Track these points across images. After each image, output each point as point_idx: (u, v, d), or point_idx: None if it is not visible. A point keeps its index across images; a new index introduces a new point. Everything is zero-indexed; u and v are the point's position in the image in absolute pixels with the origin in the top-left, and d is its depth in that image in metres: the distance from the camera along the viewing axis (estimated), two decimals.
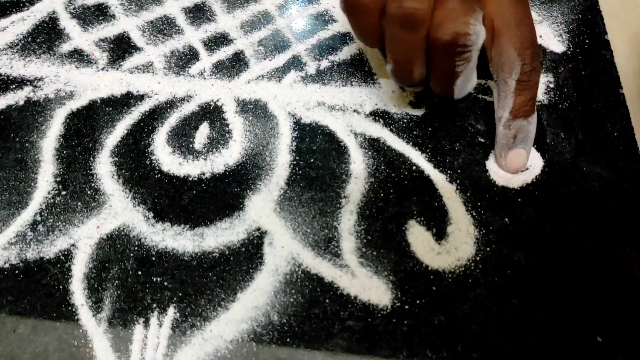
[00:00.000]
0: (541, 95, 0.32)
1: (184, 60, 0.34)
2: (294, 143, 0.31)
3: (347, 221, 0.28)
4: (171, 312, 0.26)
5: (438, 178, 0.29)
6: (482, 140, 0.31)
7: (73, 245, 0.27)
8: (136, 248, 0.27)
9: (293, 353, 0.25)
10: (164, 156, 0.30)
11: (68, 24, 0.35)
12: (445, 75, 0.27)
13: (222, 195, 0.29)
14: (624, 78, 0.33)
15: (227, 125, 0.31)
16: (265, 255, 0.27)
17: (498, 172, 0.30)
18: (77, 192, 0.29)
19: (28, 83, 0.33)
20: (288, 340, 0.25)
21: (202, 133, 0.31)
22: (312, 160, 0.30)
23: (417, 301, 0.26)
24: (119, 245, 0.27)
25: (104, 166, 0.30)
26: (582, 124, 0.31)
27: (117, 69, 0.33)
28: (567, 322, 0.25)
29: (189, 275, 0.27)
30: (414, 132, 0.31)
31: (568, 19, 0.36)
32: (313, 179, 0.29)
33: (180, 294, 0.26)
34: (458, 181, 0.29)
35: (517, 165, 0.29)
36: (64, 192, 0.29)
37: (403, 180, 0.29)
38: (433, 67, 0.27)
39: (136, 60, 0.34)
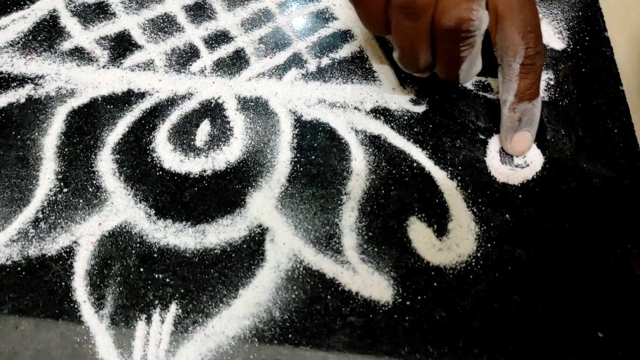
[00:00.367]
0: (541, 92, 0.32)
1: (184, 58, 0.34)
2: (295, 140, 0.31)
3: (348, 218, 0.28)
4: (173, 308, 0.26)
5: (439, 175, 0.29)
6: (482, 137, 0.31)
7: (75, 242, 0.27)
8: (138, 245, 0.27)
9: (295, 349, 0.25)
10: (165, 153, 0.30)
11: (69, 22, 0.35)
12: (450, 61, 0.28)
13: (224, 192, 0.29)
14: (623, 75, 0.33)
15: (228, 122, 0.31)
16: (266, 251, 0.27)
17: (498, 169, 0.30)
18: (78, 190, 0.29)
19: (29, 81, 0.33)
20: (290, 336, 0.25)
21: (203, 130, 0.31)
22: (313, 157, 0.30)
23: (419, 297, 0.26)
24: (120, 242, 0.27)
25: (105, 163, 0.30)
26: (582, 121, 0.31)
27: (118, 66, 0.33)
28: (568, 317, 0.26)
29: (191, 272, 0.27)
30: (415, 129, 0.31)
31: (568, 16, 0.36)
32: (314, 176, 0.29)
33: (182, 291, 0.26)
34: (459, 178, 0.29)
35: (523, 147, 0.30)
36: (65, 190, 0.29)
37: (404, 177, 0.29)
38: (438, 53, 0.27)
39: (137, 58, 0.34)
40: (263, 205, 0.28)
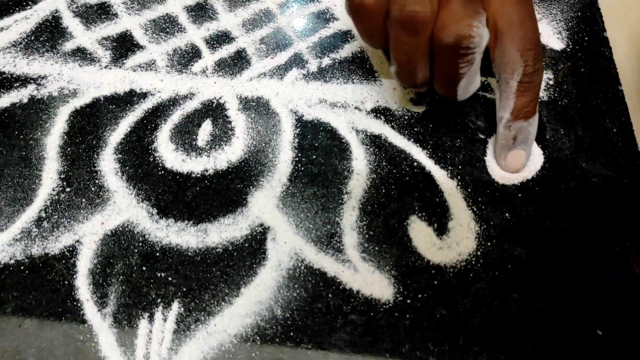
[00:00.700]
0: (541, 92, 0.33)
1: (186, 58, 0.34)
2: (296, 140, 0.31)
3: (349, 217, 0.28)
4: (175, 306, 0.26)
5: (439, 174, 0.30)
6: (482, 136, 0.31)
7: (78, 241, 0.28)
8: (140, 244, 0.27)
9: (296, 347, 0.25)
10: (167, 153, 0.30)
11: (71, 22, 0.36)
12: (448, 77, 0.27)
13: (225, 191, 0.29)
14: (622, 75, 0.33)
15: (230, 122, 0.32)
16: (268, 250, 0.27)
17: (497, 168, 0.30)
18: (81, 189, 0.29)
19: (32, 81, 0.33)
20: (291, 334, 0.25)
21: (205, 130, 0.31)
22: (314, 156, 0.30)
23: (419, 295, 0.26)
24: (123, 241, 0.28)
25: (107, 163, 0.30)
26: (581, 121, 0.32)
27: (120, 67, 0.34)
28: (568, 316, 0.26)
29: (193, 271, 0.27)
30: (415, 129, 0.31)
31: (567, 17, 0.36)
32: (315, 175, 0.30)
33: (184, 289, 0.26)
34: (459, 177, 0.30)
35: (516, 166, 0.29)
36: (68, 189, 0.29)
37: (404, 177, 0.30)
38: (436, 69, 0.27)
39: (139, 59, 0.34)
40: (264, 204, 0.29)
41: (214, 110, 0.32)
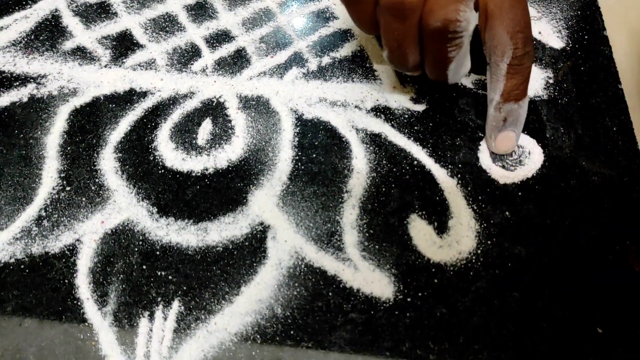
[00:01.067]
0: (541, 91, 0.33)
1: (186, 57, 0.34)
2: (296, 139, 0.31)
3: (350, 215, 0.28)
4: (176, 305, 0.26)
5: (439, 173, 0.30)
6: (482, 135, 0.31)
7: (78, 240, 0.28)
8: (140, 243, 0.27)
9: (296, 345, 0.25)
10: (167, 152, 0.30)
11: (71, 21, 0.36)
12: (438, 61, 0.28)
13: (226, 190, 0.29)
14: (622, 73, 0.33)
15: (230, 121, 0.32)
16: (268, 249, 0.27)
17: (492, 168, 0.30)
18: (81, 188, 0.29)
19: (31, 80, 0.33)
20: (291, 332, 0.25)
21: (205, 129, 0.31)
22: (314, 155, 0.30)
23: (419, 294, 0.26)
24: (123, 240, 0.28)
25: (107, 162, 0.30)
26: (581, 119, 0.32)
27: (120, 66, 0.34)
28: (568, 314, 0.26)
29: (193, 269, 0.27)
30: (415, 128, 0.31)
31: (567, 15, 0.36)
32: (315, 174, 0.30)
33: (184, 288, 0.26)
34: (459, 176, 0.30)
35: (506, 147, 0.30)
36: (68, 188, 0.29)
37: (404, 175, 0.30)
38: (426, 53, 0.28)
39: (139, 58, 0.34)
40: (265, 203, 0.29)
41: (214, 109, 0.32)
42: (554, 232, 0.28)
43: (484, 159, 0.30)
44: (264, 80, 0.33)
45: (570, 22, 0.36)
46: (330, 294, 0.26)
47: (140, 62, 0.34)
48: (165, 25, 0.36)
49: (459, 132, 0.31)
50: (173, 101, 0.32)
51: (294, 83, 0.33)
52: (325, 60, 0.34)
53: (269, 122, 0.32)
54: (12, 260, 0.27)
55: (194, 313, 0.26)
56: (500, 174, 0.30)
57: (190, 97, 0.32)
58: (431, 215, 0.28)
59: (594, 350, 0.25)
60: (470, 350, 0.25)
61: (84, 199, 0.29)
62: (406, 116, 0.32)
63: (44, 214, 0.28)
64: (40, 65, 0.34)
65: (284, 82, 0.33)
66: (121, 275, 0.27)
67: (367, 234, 0.28)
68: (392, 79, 0.33)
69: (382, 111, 0.32)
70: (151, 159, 0.30)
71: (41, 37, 0.35)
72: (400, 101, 0.32)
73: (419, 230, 0.28)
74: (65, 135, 0.31)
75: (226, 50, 0.35)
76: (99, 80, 0.33)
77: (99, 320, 0.25)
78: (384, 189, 0.29)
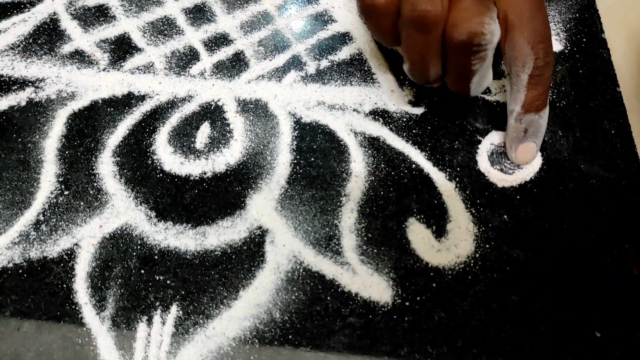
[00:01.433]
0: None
1: (184, 60, 0.34)
2: (295, 142, 0.31)
3: (348, 219, 0.28)
4: (174, 310, 0.26)
5: (437, 176, 0.30)
6: (480, 138, 0.31)
7: (76, 244, 0.28)
8: (139, 247, 0.27)
9: (295, 350, 0.25)
10: (166, 156, 0.30)
11: (69, 25, 0.36)
12: (461, 74, 0.27)
13: (224, 194, 0.29)
14: (620, 76, 0.33)
15: (228, 124, 0.32)
16: (266, 253, 0.27)
17: (490, 171, 0.30)
18: (79, 192, 0.29)
19: (30, 84, 0.33)
20: (290, 337, 0.25)
21: (203, 133, 0.31)
22: (312, 159, 0.30)
23: (418, 298, 0.26)
24: (121, 244, 0.28)
25: (106, 166, 0.30)
26: (579, 122, 0.32)
27: (118, 69, 0.34)
28: (566, 318, 0.26)
29: (192, 274, 0.27)
30: (414, 131, 0.31)
31: (565, 18, 0.36)
32: (314, 177, 0.30)
33: (182, 292, 0.26)
34: (457, 179, 0.30)
35: (527, 158, 0.30)
36: (66, 192, 0.29)
37: (403, 179, 0.30)
38: (449, 66, 0.27)
39: (137, 61, 0.34)
40: (263, 207, 0.29)
41: (212, 113, 0.32)
42: (552, 236, 0.28)
43: (482, 162, 0.30)
44: (262, 84, 0.33)
45: (568, 25, 0.36)
46: (328, 298, 0.26)
47: (139, 65, 0.34)
48: (164, 28, 0.36)
49: (457, 135, 0.31)
50: (171, 105, 0.32)
51: (292, 86, 0.33)
52: (324, 63, 0.34)
53: (267, 126, 0.32)
54: (10, 264, 0.27)
55: (192, 318, 0.26)
56: (498, 178, 0.30)
57: (189, 101, 0.32)
58: (429, 219, 0.28)
59: (592, 354, 0.25)
60: (469, 354, 0.25)
61: (82, 203, 0.29)
62: (404, 119, 0.32)
63: (42, 218, 0.28)
64: (38, 68, 0.34)
65: (282, 85, 0.33)
66: (119, 280, 0.27)
67: (365, 238, 0.28)
68: (391, 82, 0.33)
69: (380, 114, 0.32)
70: (149, 162, 0.30)
71: (39, 41, 0.35)
72: (399, 104, 0.32)
73: (418, 234, 0.28)
74: (63, 139, 0.31)
75: (224, 53, 0.35)
76: (97, 84, 0.33)
77: (97, 324, 0.25)
78: (382, 193, 0.29)
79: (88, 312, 0.26)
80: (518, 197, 0.29)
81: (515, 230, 0.28)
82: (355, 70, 0.34)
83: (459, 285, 0.27)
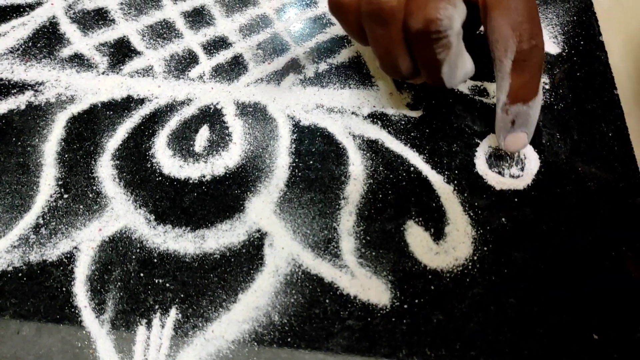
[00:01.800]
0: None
1: (183, 64, 0.34)
2: (293, 145, 0.31)
3: (346, 222, 0.28)
4: (173, 313, 0.26)
5: (436, 179, 0.30)
6: (478, 141, 0.31)
7: (75, 247, 0.28)
8: (138, 250, 0.28)
9: (294, 353, 0.25)
10: (165, 159, 0.30)
11: (68, 28, 0.36)
12: (429, 65, 0.26)
13: (223, 197, 0.29)
14: (618, 79, 0.34)
15: (227, 128, 0.32)
16: (265, 256, 0.27)
17: (488, 174, 0.30)
18: (79, 195, 0.29)
19: (29, 87, 0.33)
20: (289, 340, 0.25)
21: (202, 136, 0.31)
22: (311, 162, 0.30)
23: (416, 300, 0.26)
24: (121, 248, 0.28)
25: (105, 169, 0.30)
26: (577, 125, 0.32)
27: (118, 73, 0.34)
28: (564, 320, 0.26)
29: (191, 277, 0.27)
30: (412, 134, 0.31)
31: (563, 21, 0.36)
32: (312, 180, 0.30)
33: (182, 295, 0.26)
34: (455, 182, 0.30)
35: (516, 146, 0.28)
36: (66, 196, 0.29)
37: (401, 182, 0.30)
38: (416, 57, 0.27)
39: (136, 64, 0.34)
40: (262, 210, 0.29)
41: (211, 116, 0.32)
42: (550, 238, 0.28)
43: (481, 165, 0.30)
44: (261, 87, 0.33)
45: (566, 28, 0.36)
46: (327, 300, 0.26)
47: (138, 69, 0.34)
48: (163, 32, 0.36)
49: (456, 138, 0.31)
50: (170, 108, 0.32)
51: (291, 89, 0.33)
52: (322, 66, 0.34)
53: (266, 129, 0.32)
54: (10, 268, 0.27)
55: (192, 321, 0.26)
56: (496, 180, 0.30)
57: (188, 104, 0.33)
58: (428, 221, 0.28)
59: (590, 357, 0.25)
60: (467, 357, 0.25)
61: (81, 206, 0.29)
62: (403, 122, 0.32)
63: (41, 221, 0.28)
64: (37, 72, 0.34)
65: (281, 88, 0.33)
66: (119, 283, 0.27)
67: (364, 241, 0.28)
68: (389, 85, 0.33)
69: (378, 117, 0.32)
70: (148, 166, 0.30)
71: (39, 44, 0.35)
72: (397, 107, 0.32)
73: (416, 237, 0.28)
74: (62, 143, 0.31)
75: (223, 56, 0.35)
76: (97, 87, 0.33)
77: (97, 328, 0.26)
78: (380, 196, 0.29)
79: (87, 315, 0.26)
80: (516, 199, 0.29)
81: (514, 232, 0.28)
82: (353, 73, 0.34)
83: (457, 287, 0.27)
